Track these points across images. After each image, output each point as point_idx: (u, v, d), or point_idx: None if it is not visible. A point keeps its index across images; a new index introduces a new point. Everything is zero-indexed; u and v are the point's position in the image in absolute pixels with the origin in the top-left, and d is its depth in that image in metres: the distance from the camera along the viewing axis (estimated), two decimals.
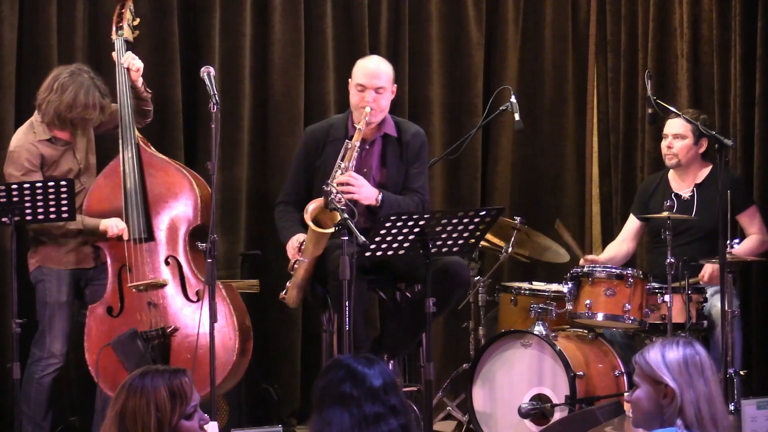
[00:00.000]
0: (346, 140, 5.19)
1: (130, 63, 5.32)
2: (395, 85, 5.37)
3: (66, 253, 5.30)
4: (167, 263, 5.26)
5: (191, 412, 2.99)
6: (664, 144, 5.84)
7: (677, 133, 5.77)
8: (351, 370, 2.81)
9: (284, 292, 5.23)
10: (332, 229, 4.93)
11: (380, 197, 5.19)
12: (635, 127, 6.70)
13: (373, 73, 5.27)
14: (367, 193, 5.15)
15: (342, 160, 5.16)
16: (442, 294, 4.93)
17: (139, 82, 5.36)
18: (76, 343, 5.43)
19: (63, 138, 5.30)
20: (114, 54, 5.40)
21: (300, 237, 5.20)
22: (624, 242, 6.04)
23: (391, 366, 5.26)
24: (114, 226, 5.20)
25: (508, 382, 5.54)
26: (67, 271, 5.31)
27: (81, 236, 5.30)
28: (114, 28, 5.42)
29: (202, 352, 4.98)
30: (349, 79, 5.37)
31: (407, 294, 5.45)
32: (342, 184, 5.08)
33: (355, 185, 5.12)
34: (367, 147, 5.29)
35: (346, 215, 4.73)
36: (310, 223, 5.03)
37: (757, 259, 5.68)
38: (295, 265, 5.16)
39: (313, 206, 5.06)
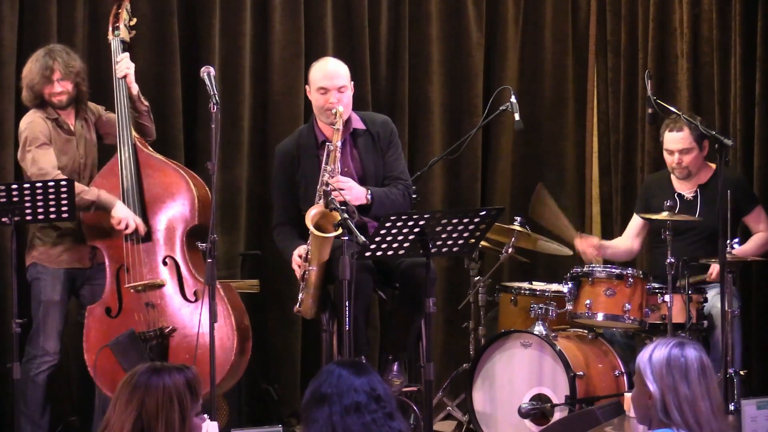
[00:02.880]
0: (327, 143, 5.18)
1: (121, 68, 5.32)
2: (352, 82, 5.37)
3: (61, 252, 5.30)
4: (165, 263, 5.26)
5: (199, 409, 3.01)
6: (671, 159, 5.78)
7: (683, 148, 5.73)
8: (332, 372, 2.84)
9: (298, 304, 5.19)
10: (335, 233, 4.93)
11: (369, 195, 5.21)
12: (635, 127, 6.70)
13: (333, 74, 5.27)
14: (357, 194, 5.16)
15: (326, 163, 5.15)
16: (412, 294, 5.04)
17: (134, 89, 5.34)
18: (76, 343, 5.43)
19: (68, 122, 5.31)
20: (111, 58, 5.40)
21: (301, 249, 5.19)
22: (628, 239, 6.04)
23: (395, 368, 5.26)
24: (125, 220, 5.18)
25: (508, 382, 5.54)
26: (62, 270, 5.30)
27: (77, 235, 5.30)
28: (110, 29, 5.41)
29: (201, 352, 4.98)
30: (306, 86, 5.38)
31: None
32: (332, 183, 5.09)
33: (344, 188, 5.12)
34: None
35: (346, 215, 4.74)
36: (312, 228, 5.03)
37: (758, 259, 5.67)
38: (305, 275, 5.15)
39: (313, 212, 5.06)
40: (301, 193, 5.31)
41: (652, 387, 3.04)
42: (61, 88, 5.27)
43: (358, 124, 5.37)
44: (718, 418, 3.11)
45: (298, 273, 5.18)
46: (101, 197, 5.20)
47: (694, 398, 3.05)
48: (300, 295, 5.18)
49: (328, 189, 4.96)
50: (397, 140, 5.47)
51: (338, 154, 5.15)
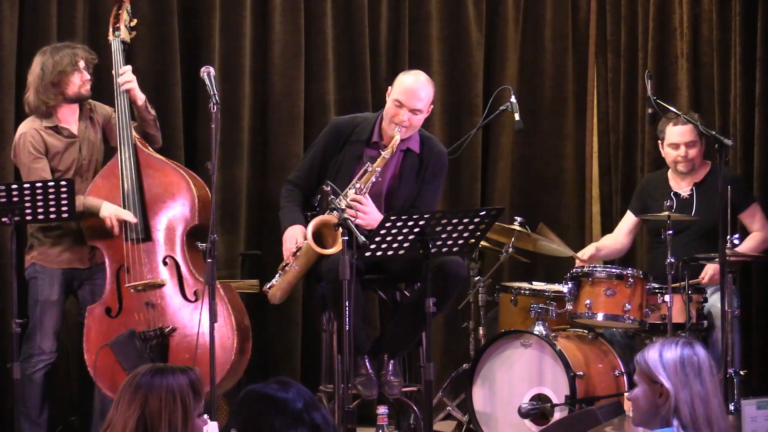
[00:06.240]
0: (368, 162, 5.16)
1: (124, 81, 5.31)
2: (432, 106, 5.35)
3: (60, 252, 5.31)
4: (165, 263, 5.26)
5: (202, 410, 3.01)
6: (675, 153, 5.78)
7: (689, 141, 5.75)
8: (270, 399, 2.81)
9: (268, 286, 5.24)
10: (332, 251, 4.93)
11: None
12: (635, 127, 6.70)
13: (414, 94, 5.22)
14: (372, 220, 5.08)
15: (359, 180, 5.14)
16: (439, 292, 4.93)
17: (140, 99, 5.33)
18: (76, 343, 5.43)
19: (69, 126, 5.31)
20: (112, 58, 5.40)
21: (298, 232, 5.19)
22: (620, 236, 6.05)
23: (391, 366, 5.26)
24: (109, 218, 5.18)
25: (508, 382, 5.54)
26: (60, 271, 5.31)
27: (77, 235, 5.30)
28: (111, 29, 5.41)
29: (201, 352, 4.98)
30: (390, 87, 5.34)
31: (407, 294, 5.46)
32: (352, 201, 5.08)
33: (361, 210, 5.08)
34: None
35: (345, 215, 4.73)
36: (310, 239, 5.04)
37: (758, 255, 5.67)
38: (287, 267, 5.16)
39: (314, 223, 5.06)
40: (330, 175, 5.28)
41: (667, 384, 3.04)
42: (88, 76, 5.28)
43: (414, 145, 5.33)
44: (725, 417, 3.12)
45: (284, 256, 5.18)
46: (87, 203, 5.20)
47: (706, 395, 3.05)
48: (275, 278, 5.21)
49: (328, 189, 4.95)
50: (443, 177, 5.46)
51: (373, 179, 5.13)
